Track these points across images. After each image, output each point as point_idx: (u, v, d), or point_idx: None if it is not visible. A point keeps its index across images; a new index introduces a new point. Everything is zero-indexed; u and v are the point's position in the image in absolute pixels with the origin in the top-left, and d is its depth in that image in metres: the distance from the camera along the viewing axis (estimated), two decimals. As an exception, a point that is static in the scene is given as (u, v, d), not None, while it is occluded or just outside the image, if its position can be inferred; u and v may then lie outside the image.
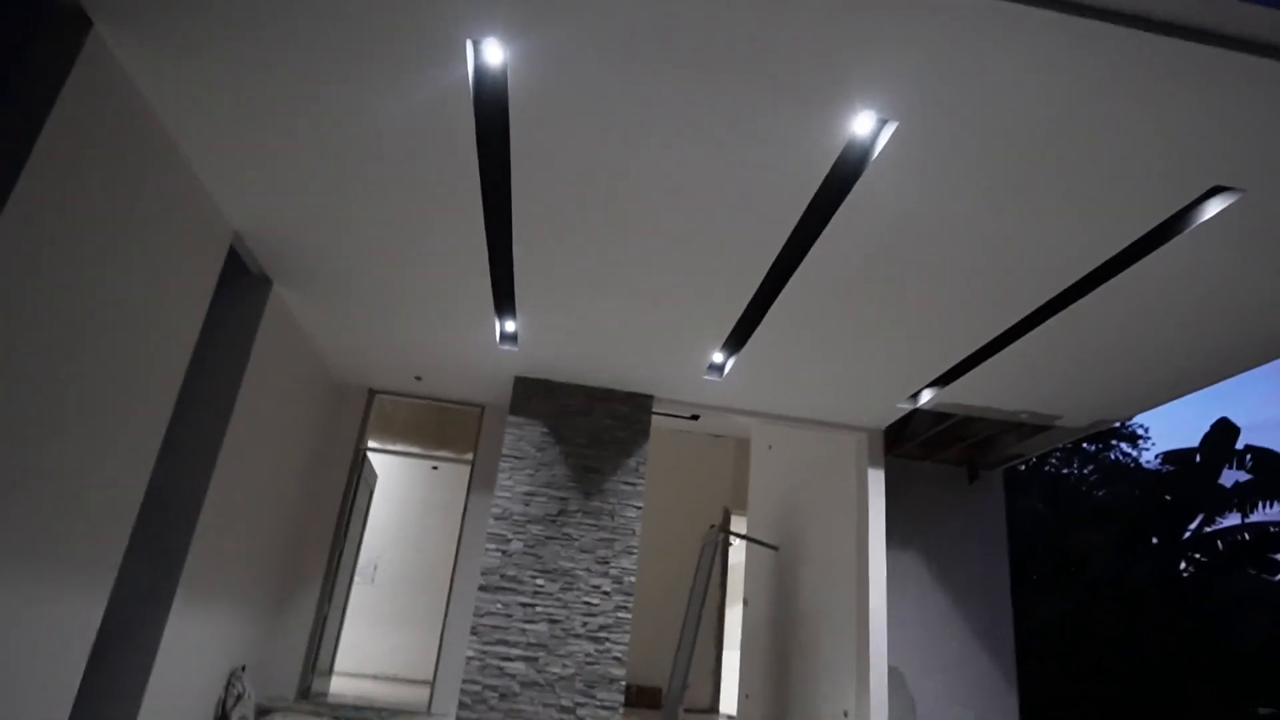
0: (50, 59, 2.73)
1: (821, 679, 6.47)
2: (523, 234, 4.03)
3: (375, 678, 8.46)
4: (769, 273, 4.18)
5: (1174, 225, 3.39)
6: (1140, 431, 16.60)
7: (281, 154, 3.55)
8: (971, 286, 4.09)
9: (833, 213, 3.52)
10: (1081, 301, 4.07)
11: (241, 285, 4.80)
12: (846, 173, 3.23)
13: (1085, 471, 15.51)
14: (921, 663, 6.86)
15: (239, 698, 5.37)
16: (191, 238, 3.86)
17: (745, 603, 8.38)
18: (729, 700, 8.48)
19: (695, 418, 7.58)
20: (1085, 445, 15.70)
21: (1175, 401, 5.45)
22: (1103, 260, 3.70)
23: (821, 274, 4.11)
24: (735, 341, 5.18)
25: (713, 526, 7.29)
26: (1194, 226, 3.33)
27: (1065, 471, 15.37)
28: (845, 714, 5.99)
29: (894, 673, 6.45)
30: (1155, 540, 10.26)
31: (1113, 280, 3.82)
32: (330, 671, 6.98)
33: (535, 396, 6.16)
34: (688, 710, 7.30)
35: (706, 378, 5.79)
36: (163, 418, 3.85)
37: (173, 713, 4.54)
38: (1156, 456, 13.68)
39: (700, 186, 3.43)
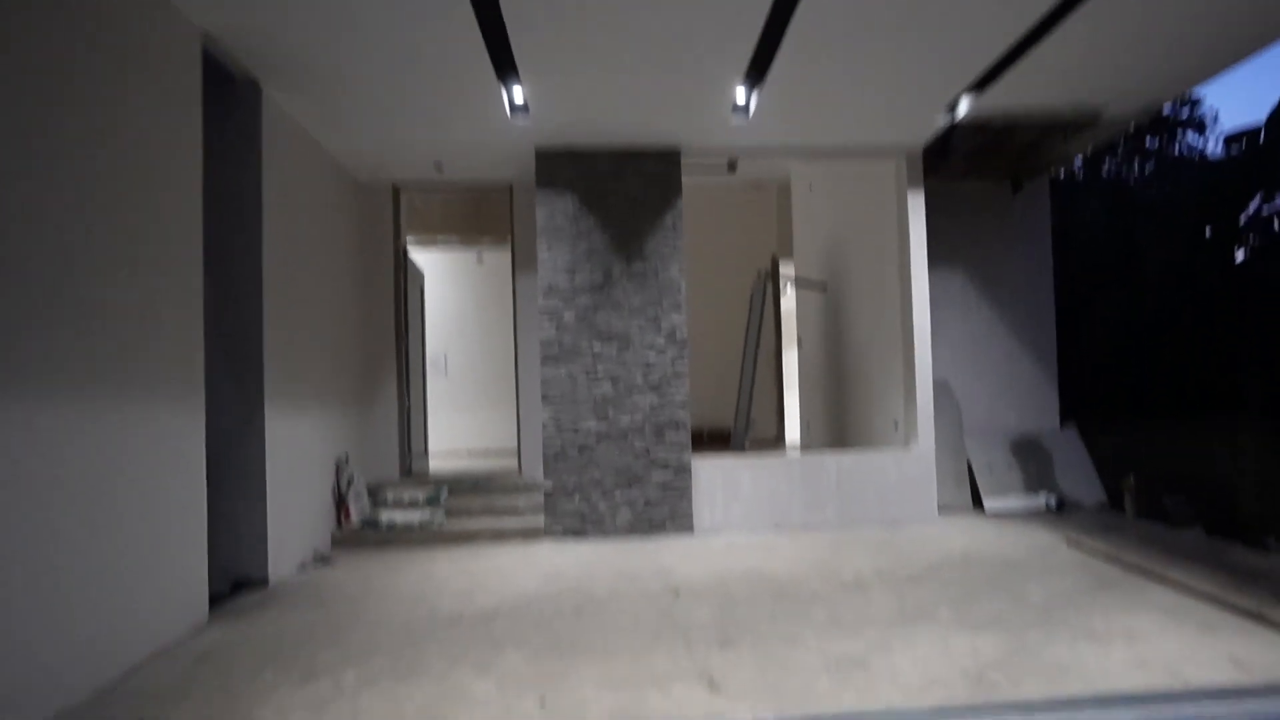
0: None
1: (873, 398, 6.86)
2: None
3: (468, 454, 9.32)
4: None
5: None
6: (1208, 119, 15.28)
7: None
8: None
9: None
10: None
11: (230, 93, 4.64)
12: None
13: (1146, 171, 14.69)
14: (968, 373, 7.19)
15: (350, 481, 6.06)
16: (160, 46, 3.69)
17: (799, 342, 8.71)
18: (793, 433, 9.10)
19: (733, 168, 7.38)
20: (1148, 143, 14.71)
21: (1249, 83, 5.03)
22: None
23: None
24: (757, 70, 4.85)
25: (760, 273, 7.37)
26: None
27: (1125, 174, 14.60)
28: (896, 425, 6.41)
29: (941, 384, 6.78)
30: (1211, 230, 9.95)
31: None
32: (426, 453, 7.70)
33: (560, 167, 6.06)
34: (755, 444, 7.90)
35: (733, 120, 5.53)
36: (194, 234, 3.95)
37: (297, 500, 5.21)
38: (1220, 143, 12.80)
39: None
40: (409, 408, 7.08)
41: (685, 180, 6.28)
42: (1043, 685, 2.65)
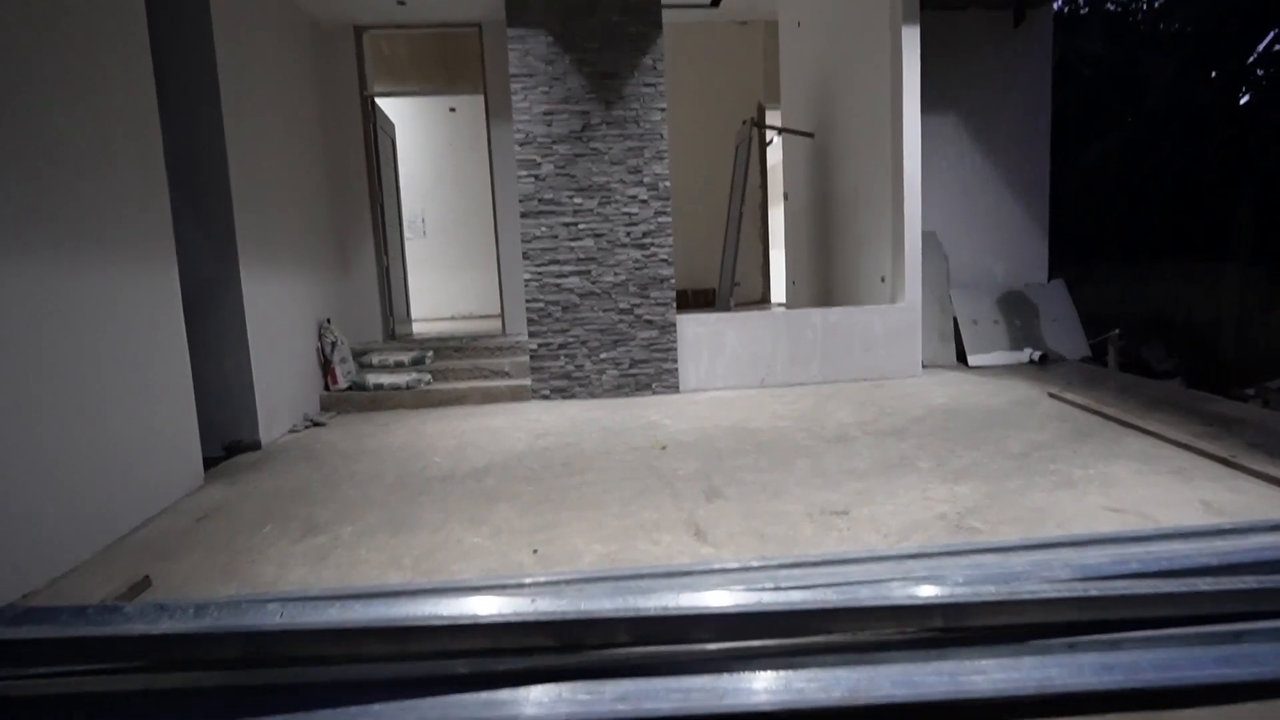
0: None
1: (860, 252, 6.74)
2: None
3: (452, 318, 9.24)
4: None
5: None
6: None
7: None
8: None
9: None
10: None
11: None
12: None
13: (1155, 4, 13.82)
14: (957, 224, 7.04)
15: (334, 344, 6.00)
16: None
17: (785, 196, 8.46)
18: (779, 292, 9.05)
19: (715, 3, 6.81)
20: None
21: None
22: None
23: None
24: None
25: (745, 122, 7.01)
26: None
27: (1133, 5, 13.74)
28: (882, 279, 6.34)
29: (930, 236, 6.65)
30: (1217, 69, 9.50)
31: None
32: (409, 318, 7.60)
33: (531, 1, 5.55)
34: (740, 304, 7.86)
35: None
36: (143, 71, 3.65)
37: (283, 363, 5.16)
38: None
39: None
40: (388, 269, 6.90)
41: (666, 17, 5.80)
42: (1019, 529, 2.75)
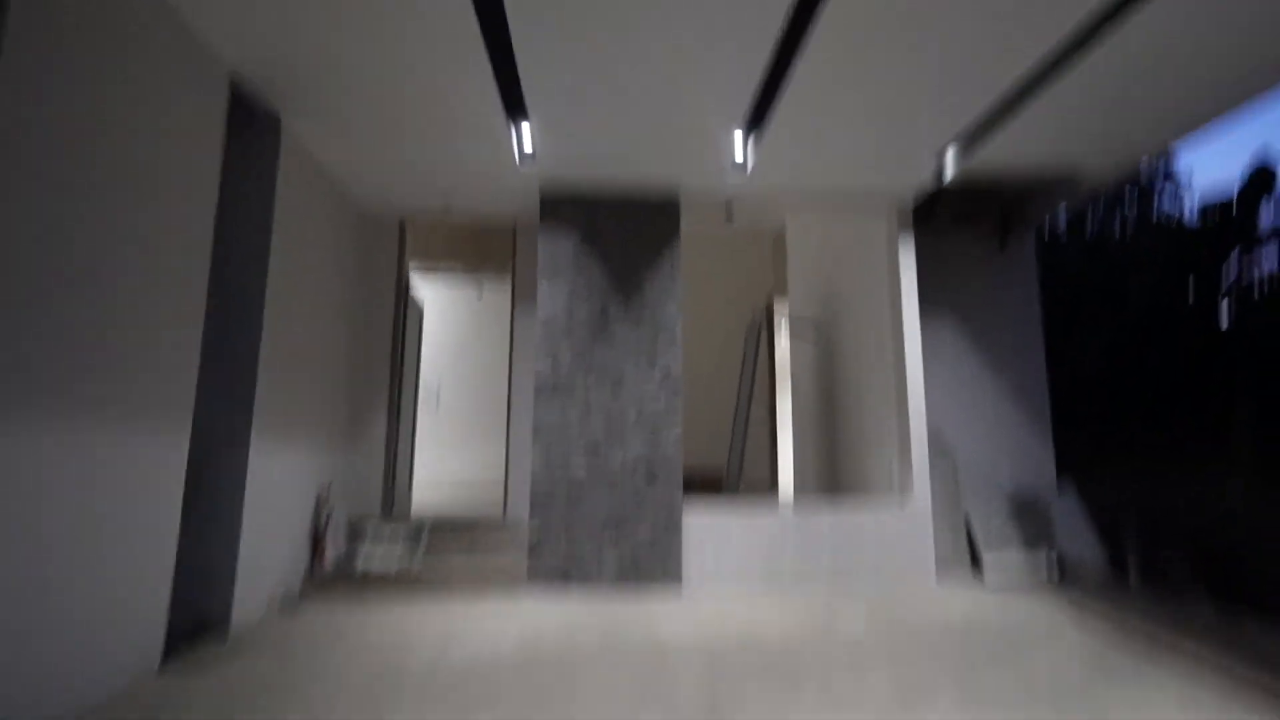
0: None
1: (868, 446, 6.76)
2: (520, 29, 3.79)
3: (455, 493, 9.12)
4: (781, 41, 3.95)
5: None
6: (1181, 184, 15.82)
7: None
8: (982, 30, 3.88)
9: None
10: (1094, 40, 3.90)
11: (251, 125, 4.62)
12: None
13: (1127, 229, 15.01)
14: (961, 423, 7.10)
15: (329, 517, 5.85)
16: (189, 82, 3.75)
17: (793, 386, 8.61)
18: (787, 479, 8.96)
19: (730, 218, 7.36)
20: (1124, 210, 15.11)
21: (1221, 151, 5.39)
22: None
23: (834, 38, 3.91)
24: (755, 124, 4.94)
25: (755, 316, 7.30)
26: None
27: (1107, 230, 14.90)
28: (890, 475, 6.29)
29: (935, 433, 6.69)
30: (1194, 287, 10.05)
31: (1122, 11, 3.65)
32: (410, 489, 7.51)
33: (563, 206, 6.00)
34: (748, 489, 7.76)
35: (731, 170, 5.59)
36: (202, 259, 3.92)
37: (273, 535, 5.01)
38: (1195, 211, 13.09)
39: None
40: (397, 441, 6.91)
41: (684, 226, 6.25)
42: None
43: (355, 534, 6.09)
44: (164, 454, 3.64)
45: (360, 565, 5.73)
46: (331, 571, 5.69)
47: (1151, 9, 3.66)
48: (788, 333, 8.53)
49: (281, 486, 5.10)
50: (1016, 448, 7.23)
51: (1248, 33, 3.90)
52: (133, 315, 3.33)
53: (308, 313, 5.45)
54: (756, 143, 5.20)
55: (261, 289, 4.59)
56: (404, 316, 6.93)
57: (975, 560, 6.42)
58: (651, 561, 5.79)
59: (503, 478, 7.04)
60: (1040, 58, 4.12)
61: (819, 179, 5.97)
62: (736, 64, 4.19)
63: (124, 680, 3.40)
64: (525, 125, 4.95)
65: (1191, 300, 10.10)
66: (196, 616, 4.25)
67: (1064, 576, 6.13)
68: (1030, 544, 6.55)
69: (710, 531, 5.89)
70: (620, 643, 4.29)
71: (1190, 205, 15.11)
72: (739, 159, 5.45)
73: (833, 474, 7.55)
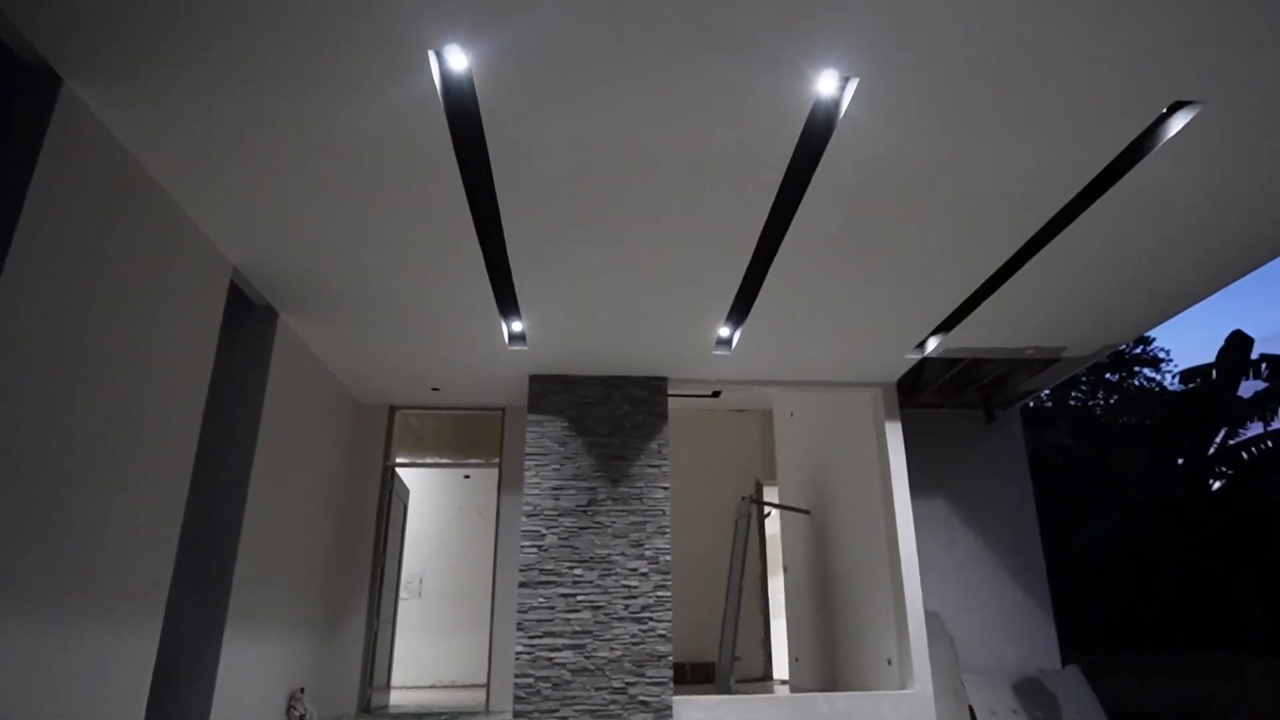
0: (26, 119, 2.80)
1: (865, 631, 6.57)
2: (513, 231, 4.12)
3: (433, 687, 8.64)
4: (761, 238, 4.24)
5: (1144, 143, 3.44)
6: (1162, 355, 16.55)
7: (263, 185, 3.65)
8: (958, 226, 4.14)
9: (812, 172, 3.60)
10: (1068, 229, 4.11)
11: (248, 318, 4.92)
12: (819, 131, 3.31)
13: (1110, 401, 15.47)
14: (959, 604, 6.96)
15: (302, 718, 5.55)
16: (192, 277, 3.97)
17: (785, 569, 8.48)
18: (781, 667, 8.58)
19: (716, 395, 7.66)
20: (1108, 375, 15.67)
21: (1195, 323, 5.60)
22: (1082, 185, 3.74)
23: (811, 233, 4.17)
24: (739, 312, 5.27)
25: (744, 498, 7.37)
26: (1163, 142, 3.37)
27: (1091, 404, 15.34)
28: (889, 662, 6.08)
29: (933, 616, 6.54)
30: (1182, 459, 10.25)
31: (1095, 204, 3.86)
32: (388, 685, 7.14)
33: (551, 393, 6.28)
34: (741, 681, 7.41)
35: (716, 353, 5.90)
36: (188, 454, 3.98)
37: (243, 736, 4.71)
38: (1175, 377, 13.65)
39: (680, 160, 3.49)
40: (376, 632, 6.68)
41: (671, 405, 6.49)
42: None
43: (327, 739, 5.72)
44: (134, 649, 3.52)
45: None
46: None
47: (1115, 209, 3.87)
48: (779, 514, 8.54)
49: (252, 686, 4.87)
50: (1018, 630, 7.01)
51: (1216, 226, 4.11)
52: (115, 505, 3.33)
53: (291, 501, 5.47)
54: (740, 331, 5.50)
55: (246, 478, 4.63)
56: (389, 506, 6.97)
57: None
58: (641, 764, 5.44)
59: (485, 674, 6.74)
60: (1018, 248, 4.35)
61: (802, 362, 6.23)
62: (720, 264, 4.51)
63: None
64: (517, 319, 5.32)
65: (1181, 463, 10.27)
66: None
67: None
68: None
69: (703, 727, 5.59)
70: None
71: (1170, 378, 15.76)
72: (725, 345, 5.77)
73: (831, 664, 7.24)
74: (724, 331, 5.59)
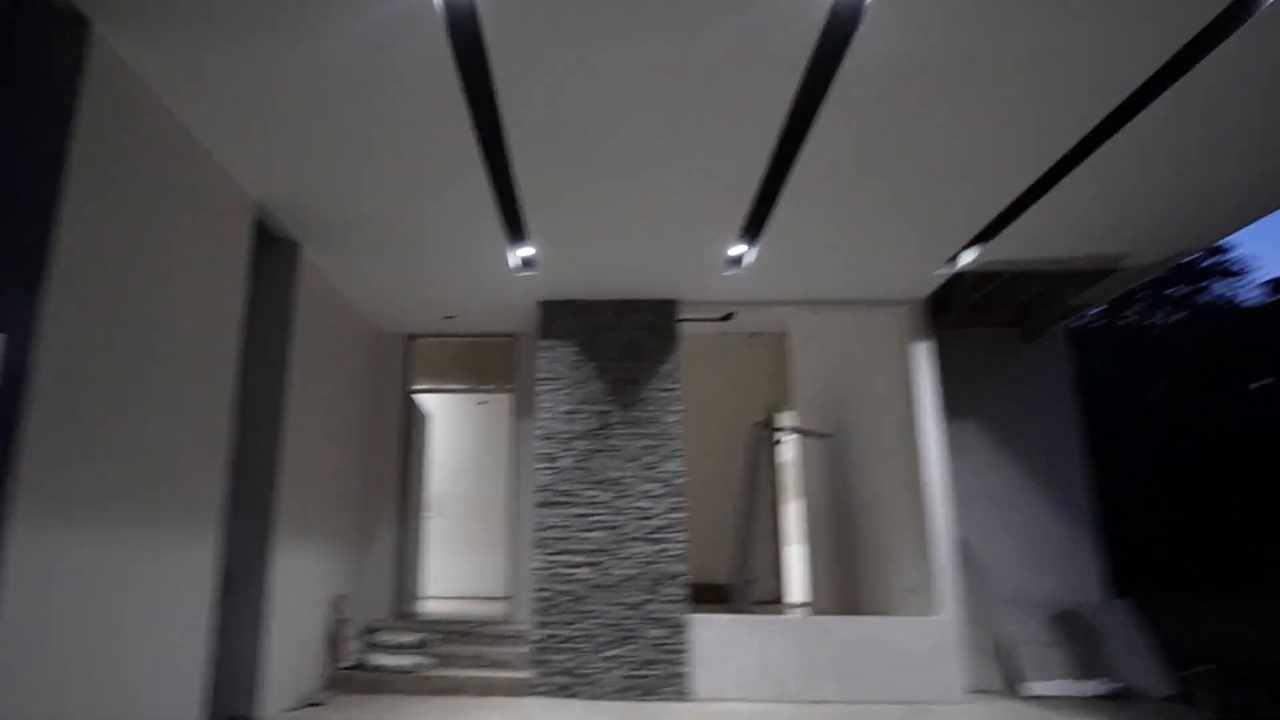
0: (62, 65, 2.90)
1: (888, 558, 6.50)
2: (519, 154, 4.01)
3: (460, 598, 9.01)
4: (777, 148, 3.96)
5: (1235, 15, 2.95)
6: (1243, 265, 14.85)
7: (279, 122, 3.70)
8: (1001, 123, 3.68)
9: (835, 67, 3.25)
10: (1136, 120, 3.59)
11: (274, 253, 5.06)
12: (843, 20, 2.97)
13: (1170, 320, 14.38)
14: (992, 535, 6.65)
15: (344, 622, 5.93)
16: (219, 215, 4.14)
17: (805, 496, 8.37)
18: (794, 592, 8.64)
19: (728, 318, 7.44)
20: (1170, 291, 14.47)
21: None
22: (1155, 68, 3.24)
23: (832, 138, 3.82)
24: (753, 228, 5.01)
25: (757, 423, 7.25)
26: (1259, 12, 2.89)
27: (1148, 323, 14.33)
28: (912, 591, 6.01)
29: (964, 544, 6.37)
30: (1237, 385, 9.58)
31: (1172, 88, 3.34)
32: (419, 596, 7.46)
33: (562, 318, 6.22)
34: (756, 603, 7.47)
35: (728, 273, 5.69)
36: (227, 382, 4.21)
37: (294, 639, 5.14)
38: (1261, 287, 12.44)
39: (690, 70, 3.27)
40: (405, 548, 6.95)
41: (684, 330, 6.35)
42: None
43: (368, 637, 6.12)
44: (195, 559, 3.85)
45: (374, 665, 5.83)
46: (348, 671, 5.80)
47: (1202, 82, 3.29)
48: (794, 438, 8.39)
49: (300, 590, 5.25)
50: (1058, 560, 6.65)
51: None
52: (169, 425, 3.59)
53: (322, 424, 5.69)
54: (755, 246, 5.24)
55: (282, 401, 4.89)
56: (410, 431, 7.11)
57: (1012, 681, 5.96)
58: (656, 672, 5.58)
59: (508, 584, 6.98)
60: (1072, 145, 3.84)
61: (821, 279, 5.95)
62: (733, 175, 4.26)
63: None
64: (525, 245, 5.21)
65: (1253, 388, 9.57)
66: (227, 709, 4.47)
67: (1121, 704, 5.59)
68: (1078, 671, 5.95)
69: (717, 642, 5.68)
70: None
71: (1250, 289, 14.16)
72: (737, 264, 5.55)
73: (852, 591, 7.20)
74: (737, 250, 5.36)
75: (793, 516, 8.72)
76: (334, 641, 5.85)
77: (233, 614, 4.54)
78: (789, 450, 8.80)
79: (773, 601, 8.62)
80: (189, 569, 3.80)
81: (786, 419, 8.74)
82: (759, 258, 5.42)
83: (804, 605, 8.20)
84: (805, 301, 6.50)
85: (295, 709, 5.07)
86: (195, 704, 3.86)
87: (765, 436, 7.39)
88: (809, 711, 5.22)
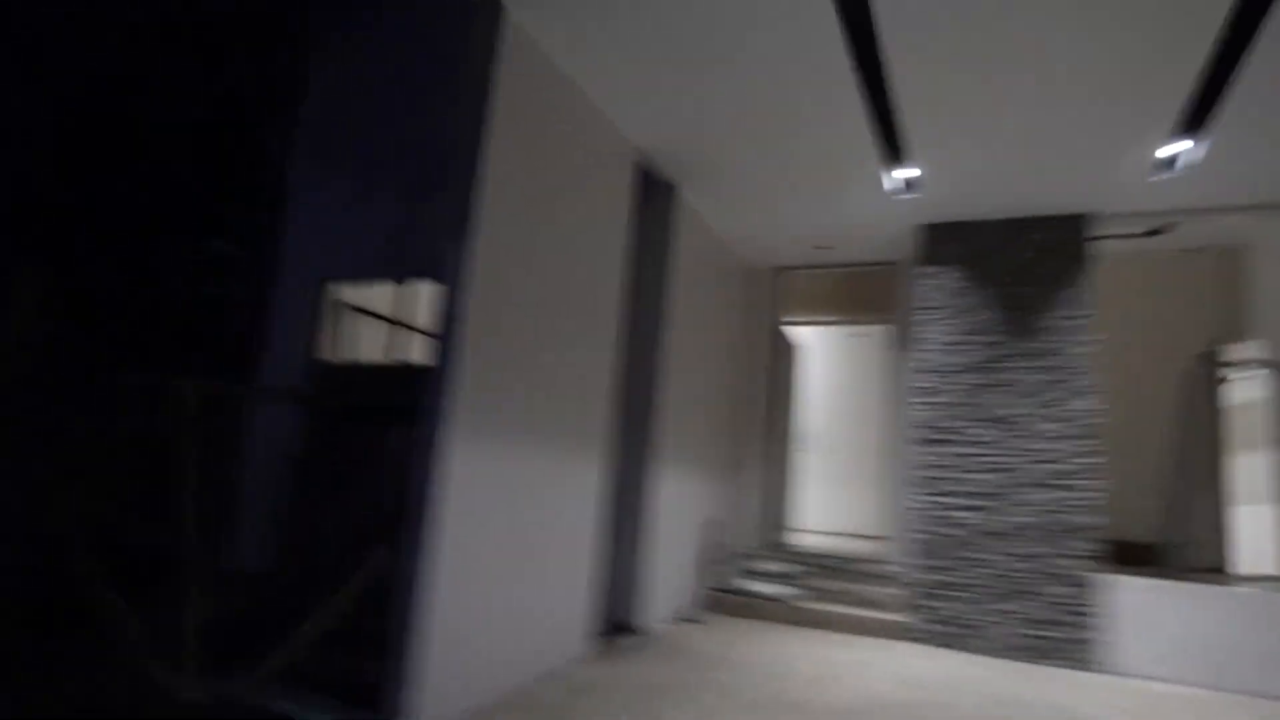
0: (481, 46, 3.43)
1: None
2: (898, 58, 3.74)
3: (836, 534, 9.09)
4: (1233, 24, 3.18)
5: None
6: None
7: (658, 72, 4.00)
8: None
9: None
10: None
11: (654, 195, 5.45)
12: None
13: None
14: None
15: (717, 545, 6.36)
16: (607, 164, 4.63)
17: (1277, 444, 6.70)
18: (1246, 561, 7.03)
19: (1155, 232, 6.18)
20: None
21: None
22: None
23: None
24: (1194, 120, 4.06)
25: (1196, 357, 5.98)
26: None
27: None
28: None
29: None
30: None
31: None
32: (791, 527, 7.71)
33: (943, 242, 5.77)
34: (1190, 570, 6.29)
35: (1154, 177, 4.70)
36: (612, 317, 4.73)
37: (672, 557, 5.63)
38: None
39: None
40: (776, 480, 7.21)
41: (1093, 247, 5.45)
42: None
43: (739, 564, 6.48)
44: (588, 481, 4.45)
45: (745, 590, 6.12)
46: (716, 594, 6.16)
47: None
48: (1256, 375, 6.73)
49: (676, 513, 5.71)
50: None
51: None
52: (568, 358, 4.17)
53: (698, 358, 6.08)
54: (1195, 144, 4.28)
55: (662, 336, 5.30)
56: (780, 361, 7.26)
57: None
58: (1053, 634, 5.06)
59: (883, 523, 6.86)
60: None
61: (1290, 179, 4.65)
62: (1166, 66, 3.58)
63: (563, 659, 4.20)
64: (904, 166, 4.90)
65: None
66: (613, 616, 5.03)
67: None
68: None
69: (1137, 610, 4.94)
70: (1015, 711, 3.86)
71: None
72: (1169, 167, 4.57)
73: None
74: (1170, 149, 4.39)
75: (1247, 469, 7.09)
76: (708, 563, 6.26)
77: (617, 532, 5.00)
78: (1246, 389, 7.12)
79: (1214, 570, 7.20)
80: (583, 489, 4.36)
81: (1241, 351, 7.06)
82: (1198, 158, 4.38)
83: (1263, 579, 6.71)
84: (1267, 205, 5.14)
85: (672, 622, 5.52)
86: (586, 610, 4.43)
87: (1208, 373, 6.09)
88: (1261, 708, 4.29)
